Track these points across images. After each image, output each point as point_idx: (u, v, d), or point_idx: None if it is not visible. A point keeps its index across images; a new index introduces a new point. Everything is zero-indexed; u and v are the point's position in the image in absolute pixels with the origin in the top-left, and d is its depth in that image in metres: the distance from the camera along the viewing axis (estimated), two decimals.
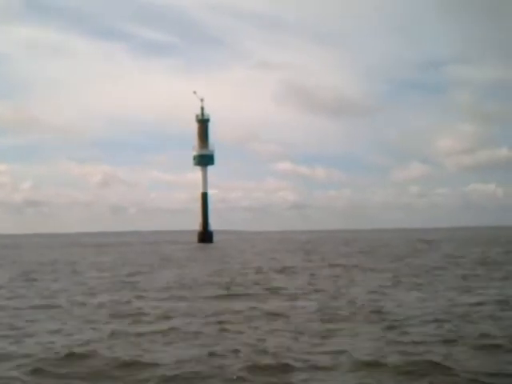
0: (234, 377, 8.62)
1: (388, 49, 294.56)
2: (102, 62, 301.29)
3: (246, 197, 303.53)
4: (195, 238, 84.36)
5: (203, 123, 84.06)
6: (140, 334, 11.88)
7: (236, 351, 10.12)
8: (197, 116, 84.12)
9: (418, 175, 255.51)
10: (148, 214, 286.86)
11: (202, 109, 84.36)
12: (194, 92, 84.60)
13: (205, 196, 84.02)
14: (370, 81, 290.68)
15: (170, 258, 45.26)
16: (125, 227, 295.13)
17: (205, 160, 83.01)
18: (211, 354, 9.87)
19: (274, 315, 14.13)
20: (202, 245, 77.66)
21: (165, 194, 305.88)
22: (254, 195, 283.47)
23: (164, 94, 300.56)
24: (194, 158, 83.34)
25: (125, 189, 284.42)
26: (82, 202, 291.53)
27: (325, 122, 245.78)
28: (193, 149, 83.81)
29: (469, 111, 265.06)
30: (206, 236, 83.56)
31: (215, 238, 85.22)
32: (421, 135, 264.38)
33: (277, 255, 46.80)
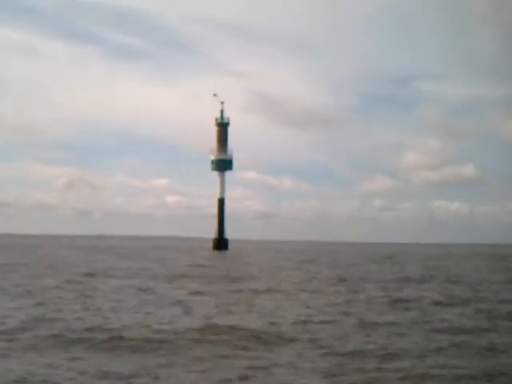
0: None
1: (360, 62, 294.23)
2: (72, 65, 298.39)
3: (211, 204, 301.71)
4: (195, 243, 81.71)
5: (223, 127, 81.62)
6: None
7: None
8: (216, 119, 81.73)
9: (384, 189, 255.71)
10: (113, 219, 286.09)
11: (222, 112, 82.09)
12: (215, 94, 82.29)
13: (222, 202, 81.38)
14: (341, 93, 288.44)
15: (203, 265, 42.78)
16: (90, 231, 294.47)
17: (223, 165, 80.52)
18: None
19: None
20: (219, 252, 75.09)
21: (131, 199, 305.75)
22: None
23: (134, 98, 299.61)
24: (212, 162, 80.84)
25: (91, 192, 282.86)
26: (46, 204, 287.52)
27: (293, 132, 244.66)
28: (210, 153, 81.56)
29: (437, 127, 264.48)
30: (221, 243, 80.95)
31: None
32: (388, 149, 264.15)
33: (309, 266, 44.26)
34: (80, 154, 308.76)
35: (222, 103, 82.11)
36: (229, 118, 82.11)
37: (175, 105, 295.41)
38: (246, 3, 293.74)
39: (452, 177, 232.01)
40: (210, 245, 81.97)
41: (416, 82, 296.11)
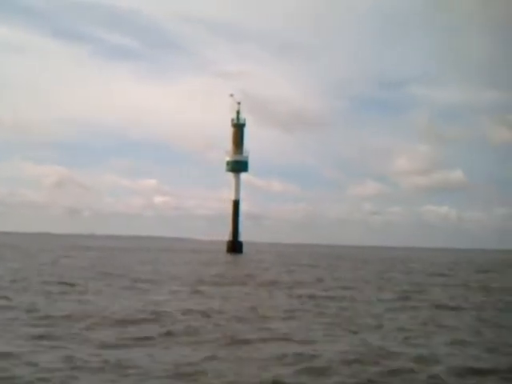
0: None
1: (351, 65, 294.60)
2: (64, 64, 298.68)
3: (199, 205, 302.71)
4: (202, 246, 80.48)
5: (239, 128, 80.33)
6: None
7: None
8: (232, 120, 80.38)
9: (373, 193, 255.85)
10: (103, 218, 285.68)
11: (238, 113, 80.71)
12: (231, 95, 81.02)
13: (237, 204, 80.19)
14: (331, 96, 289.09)
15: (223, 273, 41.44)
16: (79, 230, 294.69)
17: (239, 166, 79.19)
18: None
19: None
20: (233, 255, 73.74)
21: (120, 199, 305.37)
22: (209, 204, 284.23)
23: (126, 98, 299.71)
24: (228, 163, 79.49)
25: (81, 191, 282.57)
26: (35, 203, 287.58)
27: (281, 134, 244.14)
28: (226, 154, 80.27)
29: (426, 132, 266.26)
30: (236, 246, 79.65)
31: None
32: (377, 153, 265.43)
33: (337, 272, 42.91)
34: (70, 153, 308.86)
35: (239, 103, 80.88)
36: (245, 119, 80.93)
37: (166, 105, 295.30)
38: (239, 4, 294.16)
39: (440, 182, 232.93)
40: (212, 247, 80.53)
41: (406, 86, 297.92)
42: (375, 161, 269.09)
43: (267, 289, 26.17)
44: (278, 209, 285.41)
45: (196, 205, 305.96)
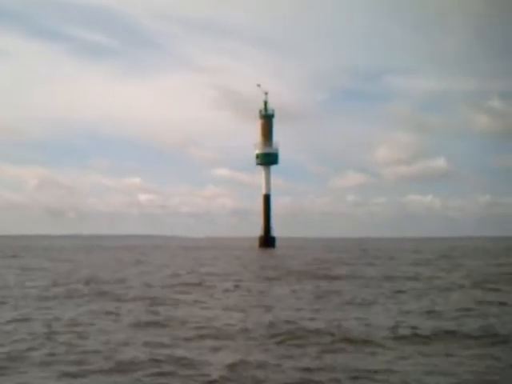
0: None
1: (330, 58, 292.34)
2: (42, 63, 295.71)
3: (184, 202, 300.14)
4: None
5: (267, 119, 77.50)
6: None
7: None
8: (260, 111, 77.59)
9: (356, 184, 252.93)
10: (87, 218, 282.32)
11: (266, 103, 77.91)
12: (258, 85, 78.35)
13: (267, 198, 77.43)
14: (311, 89, 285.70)
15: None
16: (63, 231, 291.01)
17: (269, 159, 76.37)
18: None
19: None
20: (266, 250, 71.12)
21: (105, 198, 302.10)
22: (194, 201, 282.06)
23: (105, 96, 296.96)
24: (257, 156, 76.68)
25: (63, 192, 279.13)
26: (16, 204, 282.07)
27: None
28: (254, 147, 77.51)
29: (407, 122, 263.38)
30: (268, 241, 76.96)
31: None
32: (360, 144, 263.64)
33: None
34: (50, 154, 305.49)
35: (266, 94, 78.16)
36: (273, 110, 78.03)
37: (145, 102, 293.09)
38: (214, 0, 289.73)
39: (424, 171, 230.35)
40: (226, 243, 77.97)
41: (387, 77, 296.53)
42: (357, 152, 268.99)
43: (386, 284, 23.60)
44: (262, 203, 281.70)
45: (181, 202, 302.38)
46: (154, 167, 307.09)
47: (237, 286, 21.85)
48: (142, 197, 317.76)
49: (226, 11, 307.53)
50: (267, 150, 76.34)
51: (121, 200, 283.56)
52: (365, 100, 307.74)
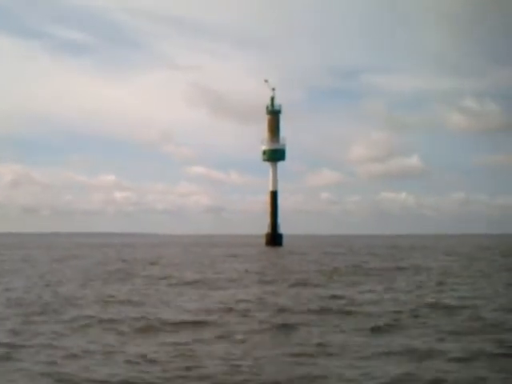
0: None
1: (308, 56, 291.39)
2: (18, 61, 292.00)
3: (160, 200, 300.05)
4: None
5: (274, 115, 76.34)
6: None
7: None
8: (267, 107, 76.38)
9: (330, 182, 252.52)
10: (63, 216, 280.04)
11: (273, 99, 76.59)
12: (266, 80, 77.09)
13: (274, 195, 76.26)
14: (287, 87, 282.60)
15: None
16: (38, 229, 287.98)
17: (276, 155, 75.23)
18: None
19: None
20: (273, 248, 70.20)
21: (80, 196, 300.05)
22: (168, 198, 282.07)
23: (82, 93, 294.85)
24: (264, 152, 75.54)
25: (38, 189, 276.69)
26: None
27: (238, 126, 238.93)
28: (261, 143, 76.46)
29: (382, 120, 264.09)
30: (275, 238, 75.88)
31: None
32: (335, 142, 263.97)
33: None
34: (25, 151, 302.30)
35: (273, 89, 76.92)
36: (280, 106, 76.86)
37: (120, 99, 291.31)
38: None
39: (398, 168, 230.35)
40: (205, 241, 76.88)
41: (363, 76, 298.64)
42: (332, 150, 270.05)
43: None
44: (238, 201, 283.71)
45: (156, 199, 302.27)
46: (130, 164, 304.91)
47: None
48: (118, 194, 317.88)
49: (206, 9, 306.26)
50: (274, 146, 75.27)
51: (97, 197, 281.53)
52: (341, 99, 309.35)
